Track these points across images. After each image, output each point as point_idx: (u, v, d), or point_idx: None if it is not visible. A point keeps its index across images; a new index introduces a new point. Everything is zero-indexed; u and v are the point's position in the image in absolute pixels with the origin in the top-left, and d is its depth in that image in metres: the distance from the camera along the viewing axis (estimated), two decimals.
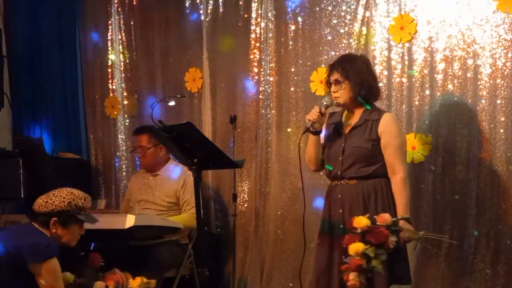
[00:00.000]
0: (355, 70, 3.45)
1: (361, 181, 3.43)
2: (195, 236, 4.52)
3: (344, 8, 4.41)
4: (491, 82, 3.91)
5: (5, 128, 5.69)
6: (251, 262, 4.79)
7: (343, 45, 4.41)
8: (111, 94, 5.51)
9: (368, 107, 3.46)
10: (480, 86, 3.95)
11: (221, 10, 4.95)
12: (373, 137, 3.42)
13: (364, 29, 4.35)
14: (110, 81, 5.52)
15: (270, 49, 4.73)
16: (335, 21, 4.45)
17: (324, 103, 3.48)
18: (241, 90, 4.88)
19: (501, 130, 3.89)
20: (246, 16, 4.83)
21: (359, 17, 4.35)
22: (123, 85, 5.48)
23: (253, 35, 4.80)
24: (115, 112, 5.48)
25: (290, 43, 4.64)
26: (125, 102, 5.47)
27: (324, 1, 4.48)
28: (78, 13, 5.67)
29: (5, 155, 4.85)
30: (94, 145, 5.61)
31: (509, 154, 3.86)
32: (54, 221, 3.14)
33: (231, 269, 4.68)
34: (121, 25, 5.45)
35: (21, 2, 5.78)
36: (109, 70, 5.52)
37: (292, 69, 4.64)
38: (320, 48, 4.51)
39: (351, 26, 4.39)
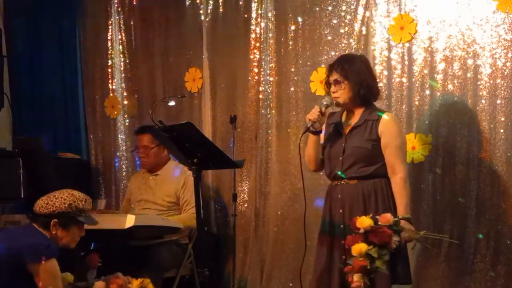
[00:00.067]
0: (354, 70, 3.45)
1: (361, 181, 3.43)
2: (195, 236, 4.52)
3: (344, 8, 4.41)
4: (491, 82, 3.91)
5: (5, 128, 5.69)
6: (251, 262, 4.79)
7: (343, 45, 4.41)
8: (111, 94, 5.51)
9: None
10: (480, 86, 3.95)
11: (221, 10, 4.95)
12: (373, 137, 3.42)
13: (364, 29, 4.34)
14: (110, 81, 5.52)
15: (270, 49, 4.73)
16: (335, 21, 4.45)
17: (324, 102, 3.48)
18: (241, 90, 4.88)
19: (501, 130, 3.89)
20: (246, 16, 4.83)
21: (359, 17, 4.35)
22: (123, 85, 5.48)
23: (253, 35, 4.80)
24: (115, 112, 5.48)
25: (290, 43, 4.64)
26: (125, 102, 5.47)
27: (324, 1, 4.48)
28: (78, 13, 5.67)
29: (5, 155, 4.85)
30: (94, 145, 5.61)
31: (509, 154, 3.86)
32: (54, 222, 3.14)
33: (231, 269, 4.68)
34: (121, 25, 5.45)
35: (21, 2, 5.77)
36: (109, 70, 5.52)
37: (292, 69, 4.64)
38: (320, 48, 4.51)
39: (351, 26, 4.38)
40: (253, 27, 4.80)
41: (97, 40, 5.58)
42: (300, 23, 4.60)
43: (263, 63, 4.76)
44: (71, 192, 3.21)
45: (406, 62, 4.18)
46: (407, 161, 3.64)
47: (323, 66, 4.41)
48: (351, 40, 4.39)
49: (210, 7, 4.99)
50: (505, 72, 3.87)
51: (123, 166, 5.44)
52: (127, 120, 5.45)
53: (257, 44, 4.78)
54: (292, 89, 4.64)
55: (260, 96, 4.78)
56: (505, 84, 3.88)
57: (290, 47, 4.64)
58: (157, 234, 4.22)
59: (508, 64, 3.87)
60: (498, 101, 3.89)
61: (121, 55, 5.47)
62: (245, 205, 4.85)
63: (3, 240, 3.11)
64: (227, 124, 4.76)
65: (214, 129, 5.00)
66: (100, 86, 5.58)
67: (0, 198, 4.79)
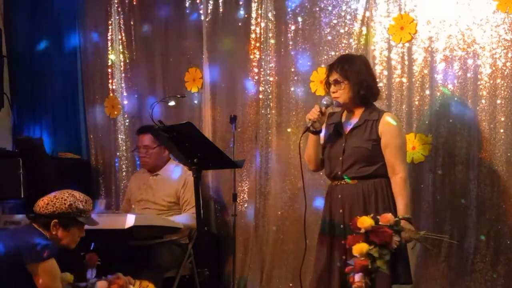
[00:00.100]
0: (354, 70, 3.45)
1: (361, 181, 3.43)
2: (195, 236, 4.52)
3: (344, 8, 4.41)
4: (491, 82, 3.91)
5: (5, 128, 5.70)
6: (251, 262, 4.78)
7: (343, 45, 4.41)
8: (111, 94, 5.51)
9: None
10: (480, 86, 3.95)
11: (221, 10, 4.95)
12: (373, 137, 3.42)
13: (364, 29, 4.34)
14: (110, 81, 5.52)
15: (270, 49, 4.73)
16: (335, 21, 4.45)
17: (324, 102, 3.49)
18: (241, 90, 4.88)
19: (501, 130, 3.89)
20: (246, 16, 4.83)
21: (359, 17, 4.35)
22: (123, 85, 5.47)
23: (253, 35, 4.80)
24: (115, 112, 5.48)
25: (290, 43, 4.64)
26: (125, 102, 5.46)
27: (324, 1, 4.48)
28: (78, 13, 5.67)
29: (5, 155, 4.86)
30: (94, 145, 5.61)
31: (509, 154, 3.86)
32: (55, 223, 3.14)
33: (231, 269, 4.68)
34: (121, 25, 5.45)
35: (21, 2, 5.78)
36: (109, 70, 5.51)
37: (292, 69, 4.64)
38: (320, 48, 4.51)
39: (351, 26, 4.38)
40: (253, 27, 4.80)
41: (97, 40, 5.58)
42: (300, 23, 4.60)
43: (263, 63, 4.75)
44: (71, 193, 3.22)
45: (406, 62, 4.18)
46: (407, 161, 3.64)
47: (323, 66, 4.41)
48: (351, 40, 4.39)
49: (210, 7, 4.98)
50: (505, 72, 3.87)
51: (123, 166, 5.43)
52: (127, 120, 5.45)
53: (257, 44, 4.78)
54: (292, 89, 4.64)
55: (260, 96, 4.78)
56: (505, 84, 3.88)
57: (290, 47, 4.64)
58: (157, 234, 4.22)
59: (508, 64, 3.87)
60: (498, 101, 3.89)
61: (121, 55, 5.46)
62: (245, 205, 4.85)
63: (3, 240, 3.11)
64: (227, 124, 4.76)
65: (214, 129, 5.00)
66: (100, 86, 5.57)
67: (0, 198, 4.80)
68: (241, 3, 4.85)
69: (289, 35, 4.64)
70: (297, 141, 4.11)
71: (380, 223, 3.14)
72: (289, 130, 4.64)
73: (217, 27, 4.98)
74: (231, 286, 4.66)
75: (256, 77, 4.79)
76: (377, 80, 3.92)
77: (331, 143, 3.55)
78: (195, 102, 5.10)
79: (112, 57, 5.49)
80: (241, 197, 4.83)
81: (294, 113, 4.62)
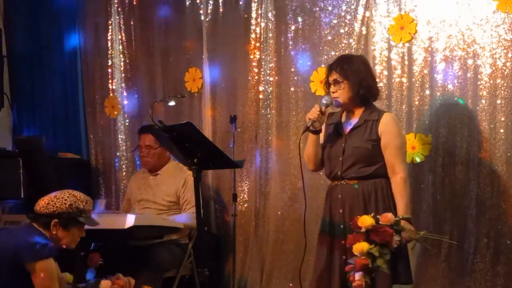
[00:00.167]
0: (354, 70, 3.45)
1: (361, 181, 3.43)
2: (195, 236, 4.52)
3: (344, 8, 4.41)
4: (491, 82, 3.91)
5: (5, 128, 5.70)
6: (251, 262, 4.79)
7: (343, 45, 4.41)
8: (111, 94, 5.51)
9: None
10: (480, 86, 3.95)
11: (221, 10, 4.95)
12: (373, 137, 3.42)
13: (364, 29, 4.34)
14: (110, 81, 5.52)
15: (270, 49, 4.73)
16: (335, 21, 4.45)
17: (324, 101, 3.48)
18: (241, 90, 4.88)
19: (501, 130, 3.89)
20: (246, 16, 4.83)
21: (359, 17, 4.35)
22: (123, 85, 5.48)
23: (253, 35, 4.80)
24: (115, 112, 5.48)
25: (290, 43, 4.64)
26: (125, 102, 5.46)
27: (324, 1, 4.48)
28: (78, 13, 5.67)
29: (5, 155, 4.86)
30: (94, 145, 5.61)
31: (509, 154, 3.86)
32: (55, 222, 3.14)
33: (231, 269, 4.68)
34: (121, 25, 5.45)
35: (21, 2, 5.77)
36: (109, 70, 5.51)
37: (292, 69, 4.64)
38: (320, 48, 4.51)
39: (351, 26, 4.38)
40: (253, 27, 4.80)
41: (97, 40, 5.58)
42: (300, 23, 4.60)
43: (263, 63, 4.76)
44: (72, 193, 3.22)
45: (406, 62, 4.18)
46: (407, 161, 3.64)
47: (323, 66, 4.41)
48: (351, 40, 4.39)
49: (210, 7, 4.99)
50: (505, 72, 3.87)
51: (123, 166, 5.44)
52: (127, 120, 5.45)
53: (257, 44, 4.78)
54: (292, 89, 4.64)
55: (260, 96, 4.78)
56: (505, 84, 3.88)
57: (290, 47, 4.64)
58: (157, 234, 4.22)
59: (508, 64, 3.87)
60: (498, 101, 3.89)
61: (121, 55, 5.46)
62: (245, 205, 4.85)
63: (3, 239, 3.11)
64: (227, 124, 4.76)
65: (214, 129, 5.00)
66: (100, 86, 5.57)
67: (0, 198, 4.80)
68: (241, 3, 4.85)
69: (289, 35, 4.64)
70: (297, 141, 4.11)
71: (380, 222, 3.14)
72: (289, 130, 4.64)
73: (217, 27, 4.98)
74: (231, 286, 4.66)
75: (256, 77, 4.79)
76: (377, 80, 3.92)
77: (331, 143, 3.55)
78: (195, 102, 5.10)
79: (112, 57, 5.49)
80: (241, 197, 4.83)
81: (294, 113, 4.62)
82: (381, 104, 4.03)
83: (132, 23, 5.41)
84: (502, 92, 3.88)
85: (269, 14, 4.71)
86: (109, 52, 5.50)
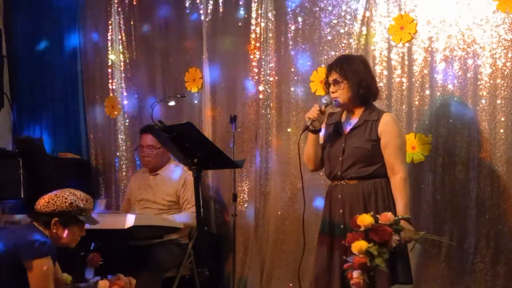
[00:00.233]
0: (353, 70, 3.45)
1: (361, 181, 3.43)
2: (195, 236, 4.52)
3: (344, 8, 4.42)
4: (491, 82, 3.91)
5: (5, 128, 5.70)
6: (251, 262, 4.79)
7: (343, 45, 4.42)
8: (111, 94, 5.51)
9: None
10: (480, 86, 3.95)
11: (221, 10, 4.95)
12: (373, 138, 3.42)
13: (364, 29, 4.35)
14: (110, 81, 5.52)
15: (270, 49, 4.73)
16: (335, 21, 4.45)
17: (324, 101, 3.48)
18: (241, 90, 4.88)
19: (501, 130, 3.89)
20: (246, 16, 4.83)
21: (359, 17, 4.36)
22: (123, 85, 5.47)
23: (253, 35, 4.80)
24: (115, 112, 5.48)
25: (290, 43, 4.64)
26: (125, 102, 5.46)
27: (324, 1, 4.48)
28: (78, 13, 5.67)
29: (5, 155, 4.86)
30: (94, 145, 5.61)
31: (509, 154, 3.86)
32: (55, 221, 3.14)
33: (231, 269, 4.68)
34: (121, 25, 5.45)
35: (21, 2, 5.78)
36: (109, 70, 5.51)
37: (292, 69, 4.64)
38: (320, 48, 4.51)
39: (351, 26, 4.39)
40: (253, 27, 4.80)
41: (97, 40, 5.58)
42: (300, 23, 4.60)
43: (263, 63, 4.76)
44: (72, 191, 3.22)
45: (406, 62, 4.18)
46: (406, 161, 3.64)
47: (323, 66, 4.41)
48: (351, 40, 4.39)
49: (210, 7, 4.99)
50: (505, 72, 3.88)
51: (123, 166, 5.44)
52: (127, 120, 5.45)
53: (257, 44, 4.78)
54: (292, 89, 4.64)
55: (260, 96, 4.78)
56: (505, 84, 3.88)
57: (290, 47, 4.64)
58: (157, 234, 4.22)
59: (508, 64, 3.87)
60: (498, 101, 3.89)
61: (121, 55, 5.46)
62: (245, 205, 4.85)
63: (3, 238, 3.11)
64: (227, 124, 4.76)
65: (214, 129, 5.00)
66: (100, 86, 5.58)
67: (0, 198, 4.80)
68: (241, 3, 4.85)
69: (289, 35, 4.64)
70: (297, 141, 4.11)
71: (379, 222, 3.15)
72: (289, 130, 4.64)
73: (217, 27, 4.98)
74: (231, 286, 4.66)
75: (256, 77, 4.80)
76: (377, 80, 3.92)
77: (331, 143, 3.55)
78: (195, 102, 5.10)
79: (112, 57, 5.49)
80: (241, 197, 4.83)
81: (294, 113, 4.62)
82: (381, 104, 4.03)
83: (132, 23, 5.41)
84: (502, 92, 3.88)
85: (269, 14, 4.71)
86: (109, 52, 5.50)
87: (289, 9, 4.63)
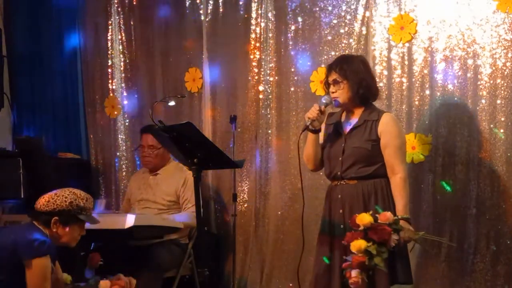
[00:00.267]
0: (353, 70, 3.45)
1: (361, 181, 3.43)
2: (195, 236, 4.52)
3: (344, 8, 4.41)
4: (491, 82, 3.91)
5: (5, 128, 5.70)
6: (251, 262, 4.78)
7: (343, 45, 4.41)
8: (111, 94, 5.51)
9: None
10: (480, 86, 3.95)
11: (221, 10, 4.95)
12: (373, 138, 3.42)
13: (364, 29, 4.35)
14: (110, 81, 5.52)
15: (270, 49, 4.73)
16: (335, 21, 4.45)
17: (324, 101, 3.48)
18: (241, 90, 4.88)
19: (501, 130, 3.89)
20: (246, 16, 4.83)
21: (359, 17, 4.35)
22: (123, 85, 5.48)
23: (253, 35, 4.80)
24: (115, 112, 5.48)
25: (290, 43, 4.64)
26: (125, 102, 5.46)
27: (324, 1, 4.48)
28: (78, 13, 5.67)
29: (5, 155, 4.86)
30: (94, 145, 5.61)
31: (509, 154, 3.86)
32: (55, 220, 3.14)
33: (231, 269, 4.68)
34: (121, 25, 5.45)
35: (21, 2, 5.78)
36: (109, 70, 5.52)
37: (292, 69, 4.64)
38: (320, 48, 4.51)
39: (351, 26, 4.38)
40: (253, 27, 4.80)
41: (97, 40, 5.58)
42: (300, 23, 4.60)
43: (263, 63, 4.76)
44: (72, 190, 3.22)
45: (406, 62, 4.18)
46: (406, 161, 3.64)
47: (323, 66, 4.40)
48: (351, 40, 4.39)
49: (210, 7, 4.99)
50: (505, 72, 3.87)
51: (123, 166, 5.44)
52: (127, 120, 5.45)
53: (257, 44, 4.78)
54: (292, 89, 4.64)
55: (260, 96, 4.78)
56: (505, 84, 3.88)
57: (290, 47, 4.64)
58: (157, 234, 4.22)
59: (508, 64, 3.87)
60: (498, 101, 3.89)
61: (121, 55, 5.47)
62: (245, 205, 4.85)
63: (3, 237, 3.11)
64: (227, 124, 4.76)
65: (214, 129, 5.00)
66: (100, 86, 5.58)
67: (0, 198, 4.80)
68: (241, 3, 4.85)
69: (289, 35, 4.64)
70: (297, 141, 4.11)
71: (379, 221, 3.14)
72: (289, 130, 4.64)
73: (217, 27, 4.98)
74: (231, 286, 4.66)
75: (256, 77, 4.79)
76: (377, 80, 3.92)
77: (331, 143, 3.55)
78: (195, 102, 5.10)
79: (112, 57, 5.49)
80: (241, 197, 4.83)
81: (294, 113, 4.62)
82: (381, 104, 4.03)
83: (132, 23, 5.41)
84: (502, 92, 3.88)
85: (269, 14, 4.71)
86: (109, 52, 5.50)
87: (289, 9, 4.63)
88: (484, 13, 3.91)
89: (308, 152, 3.60)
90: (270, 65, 4.73)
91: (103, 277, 3.46)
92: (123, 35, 5.44)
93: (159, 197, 4.59)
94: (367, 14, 4.32)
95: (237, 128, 4.72)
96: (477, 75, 3.95)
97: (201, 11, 5.04)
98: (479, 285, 3.91)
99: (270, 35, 4.72)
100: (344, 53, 4.31)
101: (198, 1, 5.04)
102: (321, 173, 3.90)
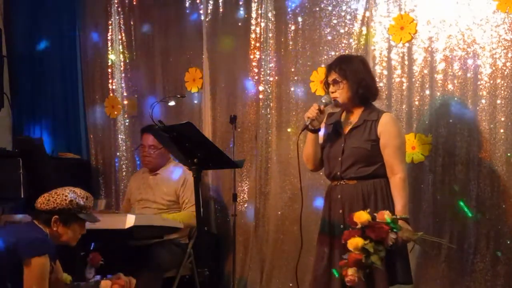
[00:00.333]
0: (353, 70, 3.45)
1: (360, 181, 3.42)
2: (195, 236, 4.52)
3: (344, 8, 4.42)
4: (491, 82, 3.91)
5: (5, 128, 5.70)
6: (251, 262, 4.79)
7: (343, 45, 4.42)
8: (111, 94, 5.51)
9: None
10: (480, 86, 3.95)
11: (221, 10, 4.96)
12: (372, 138, 3.42)
13: (364, 29, 4.35)
14: (110, 81, 5.52)
15: (270, 49, 4.73)
16: (335, 21, 4.45)
17: (323, 100, 3.48)
18: (241, 90, 4.88)
19: (501, 130, 3.89)
20: (246, 16, 4.83)
21: (359, 17, 4.36)
22: (123, 85, 5.48)
23: (253, 35, 4.80)
24: (115, 112, 5.48)
25: (290, 43, 4.64)
26: (125, 102, 5.47)
27: (324, 1, 4.49)
28: (78, 13, 5.67)
29: (5, 155, 4.85)
30: (94, 145, 5.61)
31: (509, 154, 3.86)
32: (55, 219, 3.14)
33: (231, 269, 4.68)
34: (121, 25, 5.45)
35: (21, 2, 5.78)
36: (109, 70, 5.52)
37: (292, 69, 4.64)
38: (320, 48, 4.51)
39: (351, 26, 4.39)
40: (253, 27, 4.80)
41: (97, 40, 5.58)
42: (300, 23, 4.61)
43: (263, 63, 4.76)
44: (72, 189, 3.22)
45: (406, 62, 4.18)
46: (406, 161, 3.64)
47: (323, 66, 4.40)
48: (351, 40, 4.39)
49: (210, 7, 4.99)
50: (505, 72, 3.88)
51: (123, 166, 5.44)
52: (127, 120, 5.45)
53: (257, 44, 4.78)
54: (292, 89, 4.65)
55: (260, 96, 4.78)
56: (505, 84, 3.88)
57: (290, 47, 4.64)
58: (157, 234, 4.22)
59: (508, 64, 3.87)
60: (498, 101, 3.89)
61: (121, 55, 5.47)
62: (245, 205, 4.85)
63: (3, 236, 3.11)
64: (227, 124, 4.77)
65: (214, 129, 5.00)
66: (100, 86, 5.58)
67: (0, 198, 4.79)
68: (241, 3, 4.85)
69: (289, 35, 4.64)
70: (296, 141, 4.11)
71: (377, 220, 3.14)
72: (289, 130, 4.64)
73: (217, 27, 4.99)
74: (231, 286, 4.66)
75: (256, 77, 4.80)
76: (377, 80, 3.92)
77: (330, 143, 3.55)
78: (195, 102, 5.10)
79: (112, 57, 5.50)
80: (241, 197, 4.84)
81: (294, 113, 4.63)
82: (381, 104, 4.03)
83: (132, 23, 5.41)
84: (502, 92, 3.88)
85: (269, 14, 4.71)
86: (109, 52, 5.50)
87: (289, 9, 4.63)
88: (484, 13, 3.91)
89: (308, 152, 3.60)
90: (270, 65, 4.73)
91: (103, 276, 3.46)
92: (123, 35, 5.44)
93: (159, 197, 4.59)
94: (367, 14, 4.32)
95: (237, 128, 4.73)
96: (477, 75, 3.95)
97: (201, 11, 5.04)
98: (479, 285, 3.91)
99: (270, 35, 4.72)
100: (344, 53, 4.31)
101: (198, 1, 5.05)
102: (321, 173, 3.90)
